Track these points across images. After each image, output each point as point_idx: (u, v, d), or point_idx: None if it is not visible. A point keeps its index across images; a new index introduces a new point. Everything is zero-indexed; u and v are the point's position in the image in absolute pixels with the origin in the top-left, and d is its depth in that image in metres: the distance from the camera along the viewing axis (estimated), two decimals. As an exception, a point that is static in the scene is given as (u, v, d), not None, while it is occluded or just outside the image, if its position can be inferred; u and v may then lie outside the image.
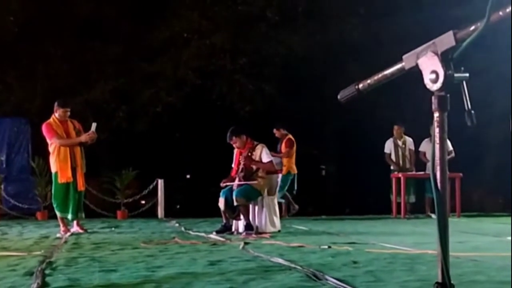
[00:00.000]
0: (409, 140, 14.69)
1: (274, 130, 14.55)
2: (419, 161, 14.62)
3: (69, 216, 10.16)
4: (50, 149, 10.14)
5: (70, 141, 10.04)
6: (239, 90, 20.61)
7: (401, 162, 14.48)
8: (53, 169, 10.15)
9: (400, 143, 14.58)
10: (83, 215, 10.52)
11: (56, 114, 10.12)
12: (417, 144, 14.68)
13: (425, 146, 14.34)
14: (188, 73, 20.21)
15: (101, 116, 18.06)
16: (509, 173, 14.38)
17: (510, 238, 7.51)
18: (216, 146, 15.31)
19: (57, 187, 10.12)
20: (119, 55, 19.95)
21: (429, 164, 13.74)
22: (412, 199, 14.50)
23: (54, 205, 10.23)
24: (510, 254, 4.74)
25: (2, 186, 15.14)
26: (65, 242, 8.43)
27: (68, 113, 10.19)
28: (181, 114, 21.26)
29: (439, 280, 2.06)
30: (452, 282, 2.07)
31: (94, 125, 10.14)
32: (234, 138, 9.69)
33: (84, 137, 10.08)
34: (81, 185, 10.18)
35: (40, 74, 19.67)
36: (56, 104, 10.20)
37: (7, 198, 15.47)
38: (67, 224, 10.25)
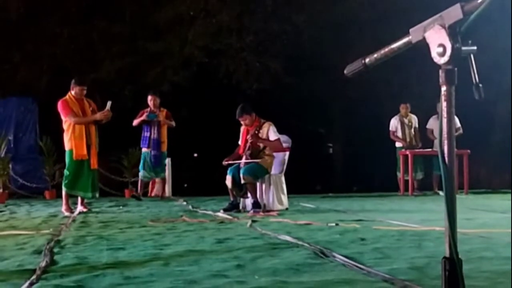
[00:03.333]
0: (414, 118, 14.69)
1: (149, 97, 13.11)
2: (426, 138, 14.62)
3: (80, 194, 10.13)
4: (65, 126, 10.05)
5: (85, 119, 9.98)
6: (246, 68, 20.57)
7: (408, 139, 14.48)
8: (67, 146, 10.05)
9: (406, 121, 14.57)
10: (97, 194, 10.50)
11: (73, 92, 10.05)
12: (424, 121, 14.66)
13: (432, 123, 14.33)
14: (195, 52, 20.18)
15: (108, 95, 18.06)
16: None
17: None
18: (223, 125, 15.30)
19: (71, 164, 10.03)
20: (125, 35, 19.92)
21: (436, 141, 13.74)
22: (420, 175, 14.52)
23: (64, 182, 10.15)
24: (510, 230, 4.75)
25: (10, 166, 15.16)
26: (73, 220, 8.46)
27: (85, 91, 10.14)
28: (188, 93, 21.25)
29: (447, 255, 2.06)
30: (460, 258, 2.06)
31: (109, 103, 10.12)
32: (244, 115, 9.65)
33: (99, 115, 10.05)
34: (94, 163, 10.12)
35: (46, 53, 19.65)
36: (73, 81, 10.13)
37: (15, 177, 15.52)
38: (71, 203, 10.23)
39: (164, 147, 12.95)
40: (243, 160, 9.59)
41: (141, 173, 13.12)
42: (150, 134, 12.71)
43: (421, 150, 14.39)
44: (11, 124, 16.48)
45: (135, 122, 12.78)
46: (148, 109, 12.79)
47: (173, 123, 12.98)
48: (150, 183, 13.87)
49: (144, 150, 12.94)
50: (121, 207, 11.13)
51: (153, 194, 13.69)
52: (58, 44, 19.59)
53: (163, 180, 13.55)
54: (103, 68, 19.65)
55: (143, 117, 12.57)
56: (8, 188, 14.46)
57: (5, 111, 16.65)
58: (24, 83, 19.33)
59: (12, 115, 16.59)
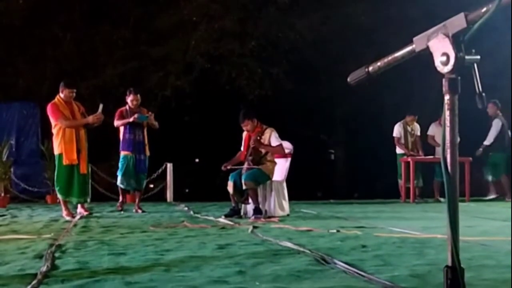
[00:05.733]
0: (417, 126, 14.67)
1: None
2: (427, 145, 14.62)
3: (73, 200, 10.03)
4: (54, 130, 9.93)
5: (76, 123, 9.84)
6: (248, 74, 20.61)
7: (410, 146, 14.46)
8: (57, 150, 9.91)
9: (409, 128, 14.54)
10: (88, 199, 10.32)
11: (62, 95, 9.91)
12: (426, 127, 14.66)
13: (433, 130, 14.37)
14: (197, 57, 20.22)
15: (110, 100, 18.11)
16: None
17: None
18: (225, 130, 15.31)
19: (61, 170, 9.90)
20: (128, 39, 19.97)
21: (438, 148, 13.74)
22: (420, 183, 14.49)
23: (57, 188, 10.04)
24: (511, 238, 4.74)
25: (12, 170, 15.19)
26: (75, 225, 8.44)
27: (74, 94, 10.00)
28: (190, 98, 21.29)
29: (449, 263, 2.06)
30: (462, 266, 2.06)
31: (101, 106, 10.01)
32: (246, 120, 9.65)
33: (91, 118, 9.93)
34: (84, 168, 9.97)
35: (49, 58, 19.70)
36: (62, 84, 9.99)
37: (17, 181, 15.55)
38: (70, 208, 10.18)
39: (148, 151, 11.56)
40: (245, 166, 9.59)
41: (120, 180, 11.50)
42: (134, 136, 11.27)
43: (423, 157, 14.38)
44: (13, 129, 16.51)
45: (120, 123, 11.28)
46: (127, 107, 11.38)
47: (157, 124, 11.55)
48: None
49: (126, 153, 11.36)
50: (122, 212, 11.11)
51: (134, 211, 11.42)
52: (61, 49, 19.64)
53: (140, 192, 11.87)
54: (105, 73, 19.68)
55: (133, 119, 11.10)
56: (9, 192, 14.48)
57: (8, 115, 16.69)
58: (26, 88, 19.38)
59: (14, 120, 16.63)
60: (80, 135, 9.92)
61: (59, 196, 10.07)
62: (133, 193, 11.97)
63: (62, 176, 9.95)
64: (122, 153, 11.43)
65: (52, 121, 9.93)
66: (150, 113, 11.40)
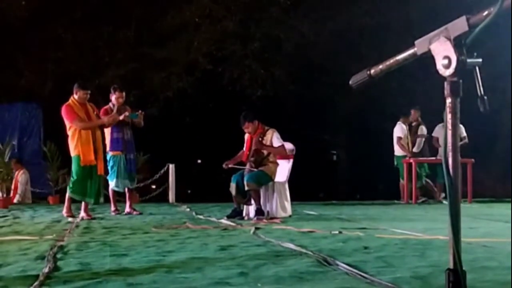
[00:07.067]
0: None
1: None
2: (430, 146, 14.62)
3: (91, 200, 9.87)
4: (69, 132, 9.79)
5: (92, 124, 9.76)
6: (250, 75, 20.63)
7: (410, 146, 14.43)
8: (73, 152, 9.76)
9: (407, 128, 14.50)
10: (101, 200, 10.29)
11: (76, 96, 9.81)
12: (430, 129, 14.63)
13: (438, 132, 14.31)
14: (199, 58, 20.23)
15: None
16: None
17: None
18: (227, 131, 15.31)
19: (79, 170, 9.75)
20: (130, 40, 19.98)
21: (441, 150, 13.70)
22: (423, 182, 14.40)
23: (72, 189, 9.84)
24: (510, 240, 4.74)
25: (14, 171, 15.19)
26: (77, 226, 8.45)
27: (88, 96, 9.91)
28: (192, 99, 21.31)
29: (451, 266, 2.06)
30: (463, 268, 2.06)
31: (115, 108, 10.05)
32: (247, 123, 9.66)
33: (106, 119, 9.93)
34: (101, 169, 9.89)
35: (51, 58, 19.71)
36: (76, 85, 9.88)
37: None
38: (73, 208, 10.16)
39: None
40: (247, 168, 9.58)
41: (114, 183, 10.99)
42: (123, 135, 10.84)
43: (425, 158, 14.36)
44: (16, 129, 16.52)
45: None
46: (111, 105, 10.88)
47: (143, 123, 11.01)
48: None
49: (115, 153, 10.89)
50: (124, 213, 11.09)
51: (128, 210, 11.11)
52: (63, 49, 19.66)
53: (132, 191, 11.60)
54: (107, 74, 19.69)
55: (124, 117, 10.57)
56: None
57: (10, 116, 16.71)
58: (28, 88, 19.40)
59: (17, 120, 16.64)
60: (96, 136, 9.87)
61: (68, 193, 9.98)
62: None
63: (79, 177, 9.80)
64: (112, 153, 10.94)
65: (67, 123, 9.80)
66: (140, 111, 11.01)
